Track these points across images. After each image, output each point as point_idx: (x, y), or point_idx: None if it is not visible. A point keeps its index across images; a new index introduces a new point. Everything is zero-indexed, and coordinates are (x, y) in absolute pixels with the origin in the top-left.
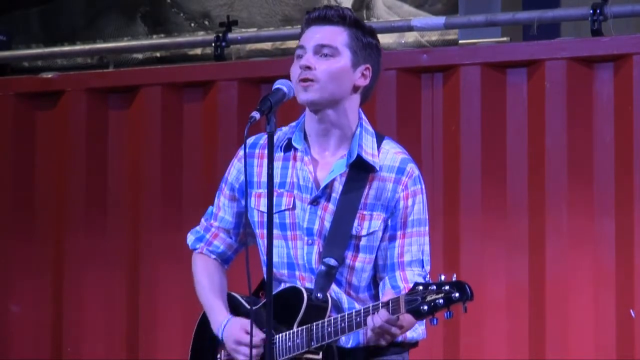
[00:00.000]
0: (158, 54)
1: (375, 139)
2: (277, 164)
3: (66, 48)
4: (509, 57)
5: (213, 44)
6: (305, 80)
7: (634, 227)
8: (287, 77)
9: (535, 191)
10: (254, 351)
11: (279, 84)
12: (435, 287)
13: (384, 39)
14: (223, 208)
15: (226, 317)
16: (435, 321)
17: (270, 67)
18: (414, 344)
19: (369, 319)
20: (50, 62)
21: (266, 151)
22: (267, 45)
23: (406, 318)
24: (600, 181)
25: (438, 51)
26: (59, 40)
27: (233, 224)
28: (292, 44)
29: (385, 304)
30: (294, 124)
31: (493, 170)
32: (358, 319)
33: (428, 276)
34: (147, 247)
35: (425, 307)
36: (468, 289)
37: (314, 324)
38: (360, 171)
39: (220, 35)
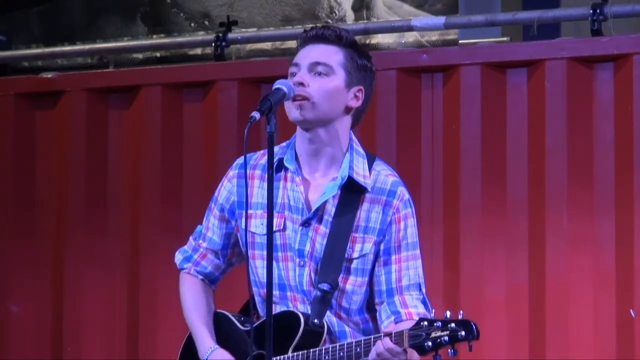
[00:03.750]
0: (158, 54)
1: (366, 160)
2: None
3: (66, 48)
4: (509, 57)
5: (213, 44)
6: (298, 97)
7: (634, 227)
8: (287, 77)
9: (535, 191)
10: None
11: (279, 84)
12: (440, 323)
13: (384, 39)
14: (212, 229)
15: (210, 346)
16: (438, 358)
17: (270, 67)
18: None
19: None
20: (50, 62)
21: (256, 172)
22: (267, 45)
23: (412, 355)
24: (600, 181)
25: (438, 51)
26: (59, 40)
27: (221, 245)
28: (292, 44)
29: (388, 335)
30: (284, 144)
31: (493, 170)
32: (358, 349)
33: (428, 300)
34: (147, 247)
35: (430, 344)
36: (474, 328)
37: (311, 350)
38: (351, 193)
39: (220, 35)
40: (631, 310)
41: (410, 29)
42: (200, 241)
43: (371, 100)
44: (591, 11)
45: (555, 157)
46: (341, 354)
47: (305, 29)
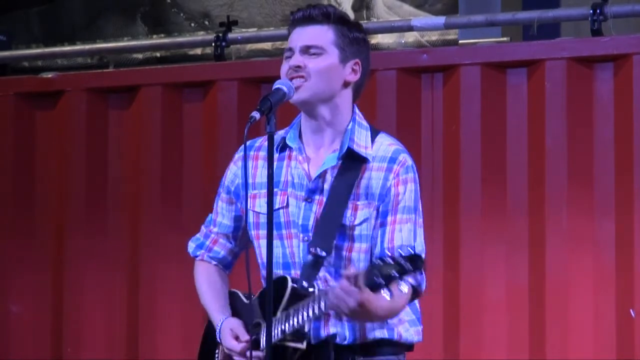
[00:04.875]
0: (158, 54)
1: (369, 133)
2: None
3: (66, 48)
4: (509, 57)
5: (213, 44)
6: (295, 76)
7: (634, 227)
8: None
9: (535, 191)
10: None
11: (279, 84)
12: (391, 260)
13: (384, 39)
14: (221, 213)
15: (220, 318)
16: (391, 294)
17: (270, 67)
18: (409, 345)
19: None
20: (50, 62)
21: (261, 153)
22: (267, 45)
23: (373, 302)
24: (600, 181)
25: (438, 51)
26: (59, 40)
27: (232, 228)
28: None
29: (344, 277)
30: (287, 127)
31: (493, 170)
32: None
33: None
34: (147, 247)
35: (381, 280)
36: (420, 262)
37: (291, 309)
38: (352, 163)
39: (220, 35)
40: (631, 310)
41: (410, 29)
42: (212, 227)
43: (369, 69)
44: (591, 11)
45: (555, 157)
46: (308, 309)
47: (292, 11)
